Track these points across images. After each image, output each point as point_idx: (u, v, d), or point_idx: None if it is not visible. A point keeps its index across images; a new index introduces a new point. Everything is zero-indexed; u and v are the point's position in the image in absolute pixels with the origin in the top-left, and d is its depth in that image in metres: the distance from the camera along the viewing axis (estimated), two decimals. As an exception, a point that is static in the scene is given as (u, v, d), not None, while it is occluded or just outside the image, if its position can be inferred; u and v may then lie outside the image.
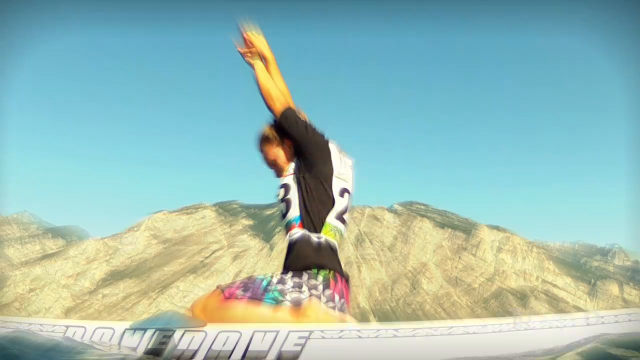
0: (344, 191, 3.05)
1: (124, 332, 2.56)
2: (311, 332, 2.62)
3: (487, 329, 2.34)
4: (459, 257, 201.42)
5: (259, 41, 3.32)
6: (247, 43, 3.31)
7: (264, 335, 2.59)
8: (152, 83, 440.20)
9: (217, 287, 2.78)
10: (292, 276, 2.79)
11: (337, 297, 2.80)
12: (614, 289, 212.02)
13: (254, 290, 2.73)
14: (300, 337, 2.60)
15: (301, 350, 2.53)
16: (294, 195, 3.00)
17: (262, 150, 3.27)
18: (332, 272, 2.86)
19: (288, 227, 2.99)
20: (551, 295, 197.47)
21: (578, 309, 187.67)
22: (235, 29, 3.23)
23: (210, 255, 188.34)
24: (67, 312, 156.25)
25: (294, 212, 2.97)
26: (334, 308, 2.78)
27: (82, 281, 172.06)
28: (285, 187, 3.06)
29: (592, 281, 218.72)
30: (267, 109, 3.15)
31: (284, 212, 3.04)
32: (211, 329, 2.63)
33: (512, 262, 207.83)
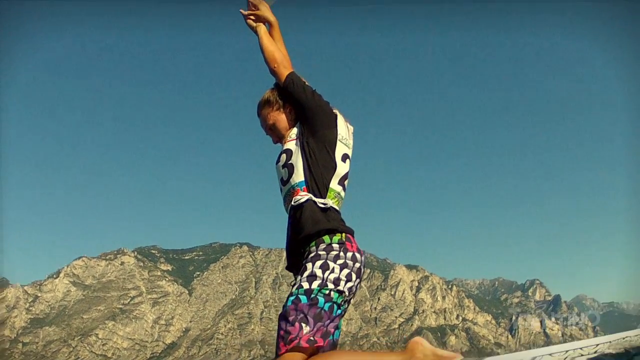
0: (345, 157, 3.24)
1: None
2: None
3: None
4: (378, 298, 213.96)
5: (263, 5, 3.53)
6: (251, 6, 3.52)
7: None
8: (61, 126, 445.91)
9: (282, 344, 2.72)
10: (313, 264, 2.89)
11: (358, 256, 2.98)
12: (535, 324, 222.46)
13: (309, 313, 2.75)
14: None
15: None
16: (297, 160, 3.15)
17: (261, 114, 3.45)
18: (343, 234, 3.00)
19: (291, 192, 3.15)
20: (472, 333, 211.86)
21: (499, 346, 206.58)
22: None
23: (129, 301, 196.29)
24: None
25: (298, 177, 3.12)
26: (360, 266, 2.98)
27: (2, 330, 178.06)
28: (288, 152, 3.21)
29: (513, 317, 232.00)
30: (270, 74, 3.34)
31: (285, 177, 3.20)
32: None
33: (432, 301, 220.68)
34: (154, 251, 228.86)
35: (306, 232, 2.98)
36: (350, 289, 2.91)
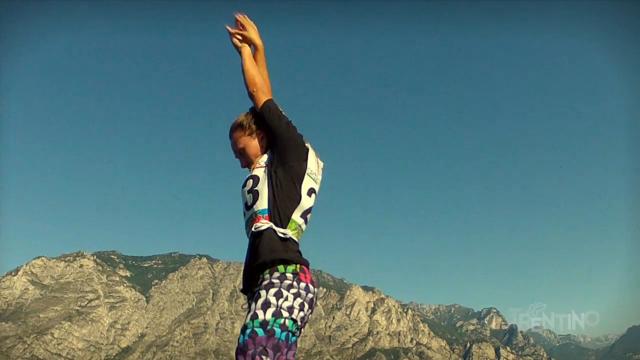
0: (312, 191, 3.32)
1: None
2: None
3: None
4: (333, 317, 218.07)
5: (251, 26, 3.60)
6: (239, 25, 3.60)
7: None
8: (27, 126, 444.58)
9: None
10: (267, 292, 3.01)
11: (311, 287, 3.12)
12: (489, 352, 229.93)
13: (268, 345, 2.85)
14: None
15: None
16: (262, 188, 3.24)
17: (232, 137, 3.51)
18: (298, 265, 3.12)
19: (253, 219, 3.26)
20: (425, 357, 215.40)
21: None
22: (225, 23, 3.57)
23: (86, 304, 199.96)
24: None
25: (262, 204, 3.22)
26: (313, 297, 3.14)
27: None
28: (255, 178, 3.31)
29: (468, 345, 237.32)
30: (248, 97, 3.40)
31: (250, 203, 3.30)
32: None
33: (387, 323, 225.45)
34: (113, 256, 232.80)
35: (262, 260, 3.13)
36: (302, 318, 3.05)
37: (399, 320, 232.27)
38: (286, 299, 2.97)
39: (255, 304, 3.01)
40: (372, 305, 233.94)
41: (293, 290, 3.02)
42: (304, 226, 3.31)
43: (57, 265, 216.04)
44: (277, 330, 2.88)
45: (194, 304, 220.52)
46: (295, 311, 2.97)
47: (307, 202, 3.29)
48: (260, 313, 2.94)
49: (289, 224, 3.21)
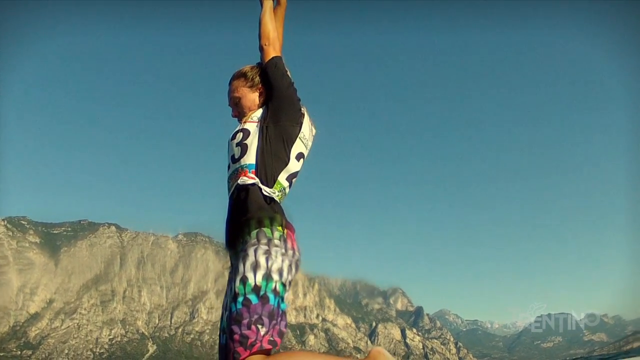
0: (300, 156, 3.43)
1: None
2: None
3: None
4: None
5: None
6: None
7: None
8: None
9: (241, 349, 2.79)
10: (255, 252, 2.95)
11: (297, 253, 3.10)
12: (395, 333, 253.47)
13: (263, 313, 2.82)
14: None
15: None
16: (252, 142, 3.31)
17: (232, 84, 3.64)
18: (285, 230, 3.10)
19: (239, 172, 3.31)
20: (331, 334, 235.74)
21: (358, 351, 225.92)
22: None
23: None
24: None
25: (249, 159, 3.28)
26: (299, 260, 3.11)
27: None
28: (245, 131, 3.38)
29: (374, 324, 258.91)
30: (258, 49, 3.56)
31: (237, 156, 3.35)
32: None
33: (293, 297, 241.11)
34: (23, 222, 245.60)
35: (249, 215, 3.12)
36: (290, 282, 3.05)
37: (305, 295, 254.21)
38: (275, 261, 2.97)
39: (244, 265, 2.98)
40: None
41: (281, 252, 3.02)
42: (288, 190, 3.42)
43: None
44: (271, 296, 2.89)
45: (102, 269, 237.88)
46: (285, 274, 3.00)
47: (294, 165, 3.42)
48: (250, 276, 2.92)
49: (275, 185, 3.30)
